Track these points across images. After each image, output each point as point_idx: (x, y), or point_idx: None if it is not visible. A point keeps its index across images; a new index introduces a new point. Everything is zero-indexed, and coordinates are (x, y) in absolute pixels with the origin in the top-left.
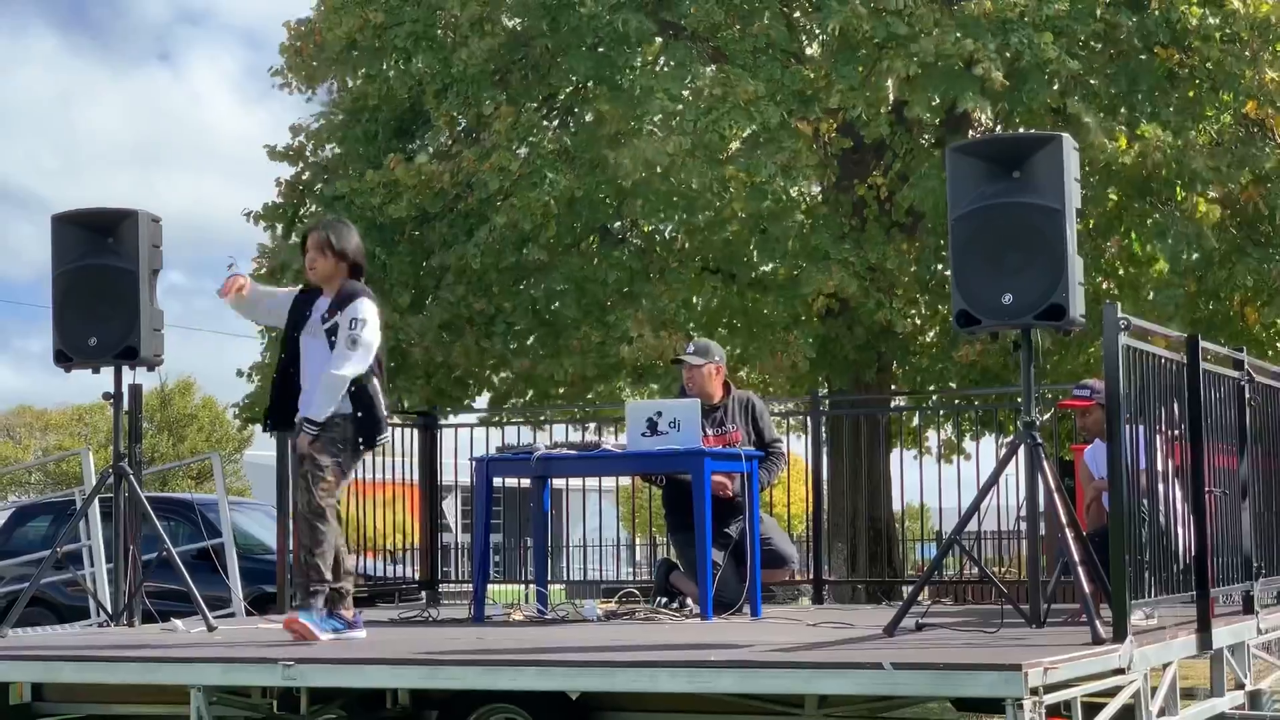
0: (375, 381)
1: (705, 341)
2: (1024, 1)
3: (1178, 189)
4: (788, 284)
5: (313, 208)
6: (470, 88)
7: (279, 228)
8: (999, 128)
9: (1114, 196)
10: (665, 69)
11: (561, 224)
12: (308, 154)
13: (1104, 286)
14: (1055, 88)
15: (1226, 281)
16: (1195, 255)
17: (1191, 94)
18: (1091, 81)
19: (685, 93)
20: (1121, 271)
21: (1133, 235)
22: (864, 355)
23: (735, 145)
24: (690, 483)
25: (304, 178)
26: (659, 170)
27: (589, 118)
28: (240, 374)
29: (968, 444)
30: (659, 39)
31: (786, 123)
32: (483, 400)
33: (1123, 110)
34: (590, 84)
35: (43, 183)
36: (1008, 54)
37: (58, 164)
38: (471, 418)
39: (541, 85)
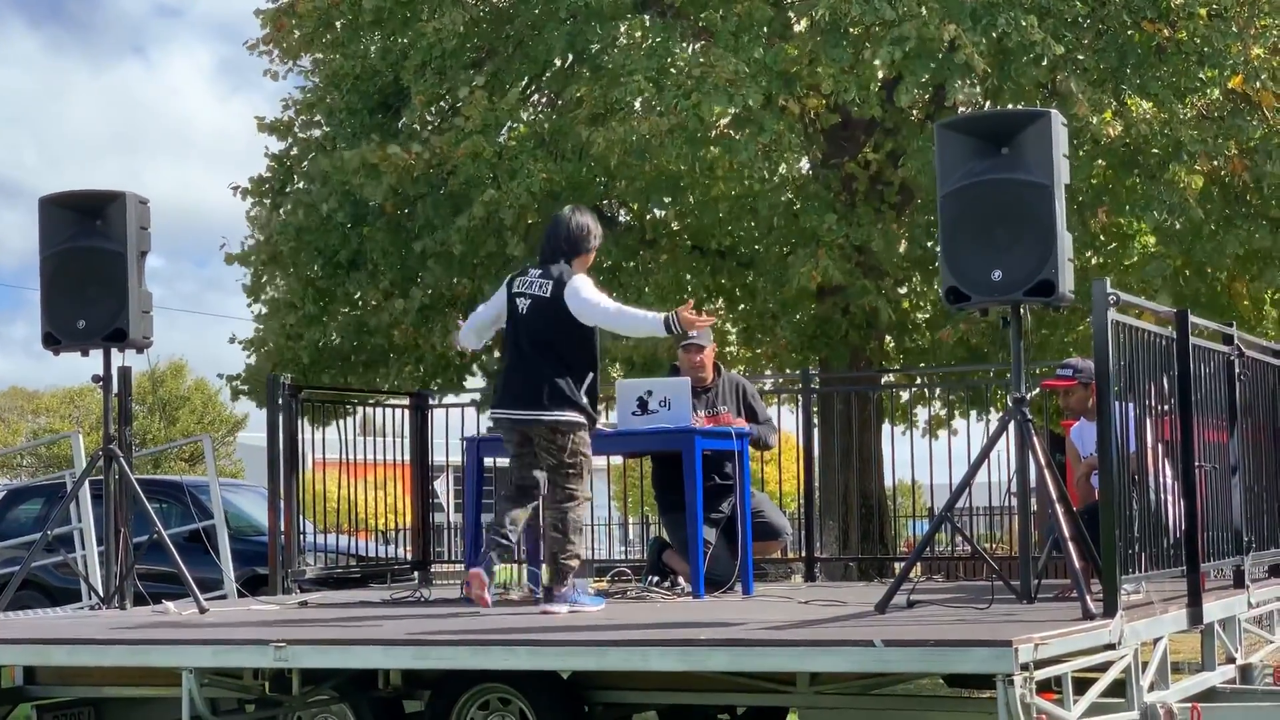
0: None
1: None
2: None
3: (1164, 162)
4: (776, 270)
5: (300, 183)
6: (447, 62)
7: (266, 203)
8: (987, 105)
9: (1095, 177)
10: (645, 48)
11: (544, 212)
12: (296, 129)
13: (1091, 260)
14: (1044, 64)
15: (1215, 252)
16: (1180, 223)
17: (1181, 67)
18: (1080, 57)
19: (664, 77)
20: (1109, 246)
21: (1121, 211)
22: (862, 334)
23: (716, 129)
24: (681, 463)
25: (292, 153)
26: (637, 151)
27: (566, 98)
28: (233, 340)
29: (957, 421)
30: (640, 17)
31: (769, 104)
32: (479, 381)
33: (1110, 84)
34: (569, 63)
35: (25, 174)
36: (994, 34)
37: (39, 154)
38: (463, 398)
39: (523, 64)
